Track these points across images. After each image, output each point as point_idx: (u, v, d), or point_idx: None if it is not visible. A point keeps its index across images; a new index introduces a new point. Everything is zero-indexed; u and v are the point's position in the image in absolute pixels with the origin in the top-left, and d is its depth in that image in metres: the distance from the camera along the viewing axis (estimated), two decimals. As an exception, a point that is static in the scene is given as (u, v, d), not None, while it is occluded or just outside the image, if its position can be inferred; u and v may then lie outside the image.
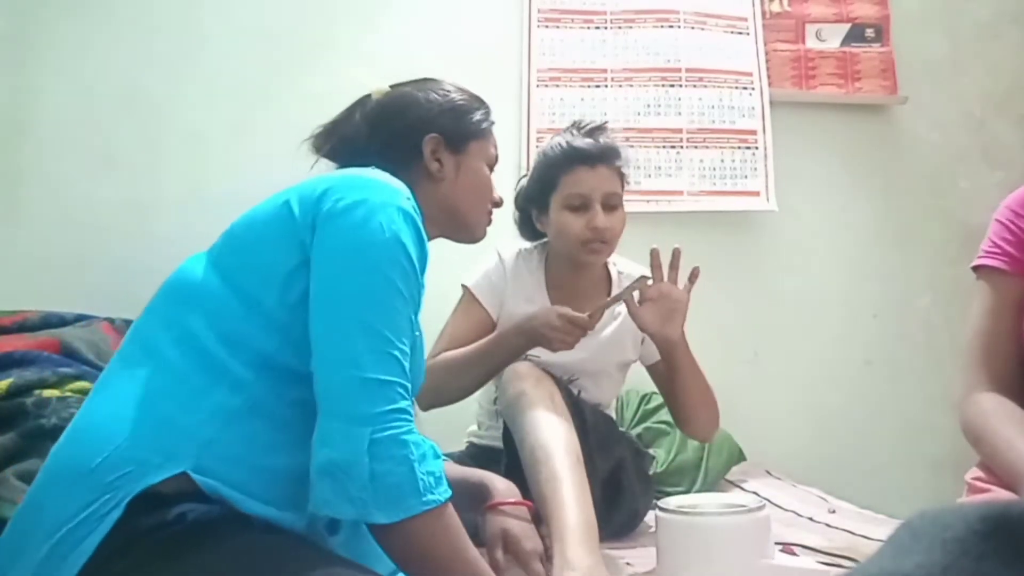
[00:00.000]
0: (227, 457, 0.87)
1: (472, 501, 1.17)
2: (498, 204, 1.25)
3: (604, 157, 1.55)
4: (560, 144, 1.57)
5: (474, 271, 1.62)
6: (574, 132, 1.58)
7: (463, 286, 1.62)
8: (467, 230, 1.22)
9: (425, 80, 1.22)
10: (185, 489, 0.85)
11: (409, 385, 0.91)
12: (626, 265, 1.69)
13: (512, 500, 1.19)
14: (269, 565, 0.83)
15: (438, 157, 1.16)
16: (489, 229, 1.26)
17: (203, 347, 0.91)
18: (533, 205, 1.62)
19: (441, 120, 1.17)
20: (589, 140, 1.56)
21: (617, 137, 1.63)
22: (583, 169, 1.54)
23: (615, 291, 1.63)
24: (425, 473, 0.87)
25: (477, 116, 1.21)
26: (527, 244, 1.67)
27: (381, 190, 0.96)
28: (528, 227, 1.66)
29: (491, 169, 1.23)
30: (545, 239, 1.64)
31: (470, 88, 1.25)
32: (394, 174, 1.04)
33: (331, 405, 0.88)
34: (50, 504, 0.85)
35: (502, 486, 1.22)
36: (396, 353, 0.90)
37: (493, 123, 1.24)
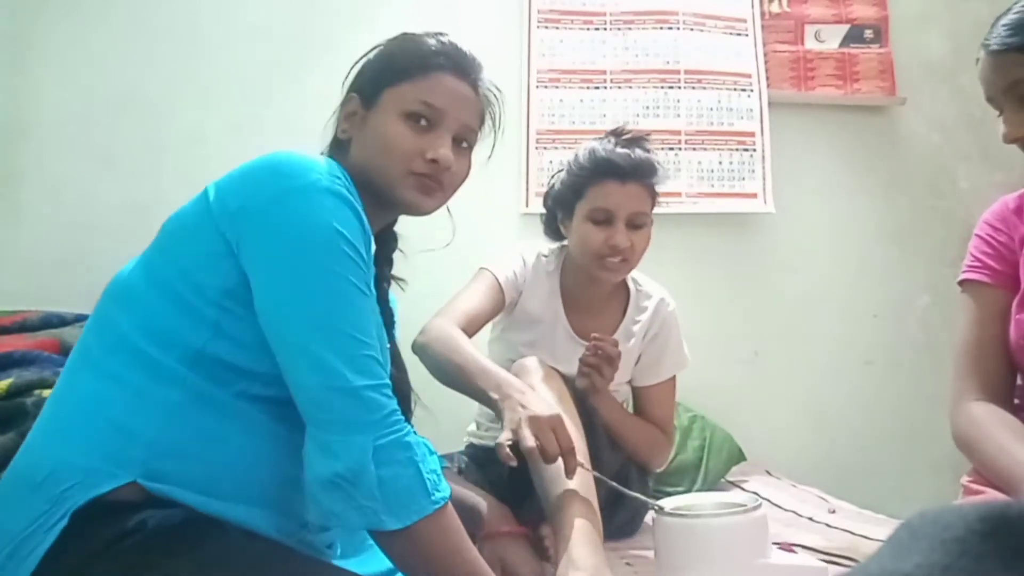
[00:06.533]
0: (178, 454, 0.85)
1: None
2: (437, 162, 1.00)
3: (637, 173, 1.48)
4: (594, 152, 1.49)
5: (496, 261, 1.57)
6: (612, 140, 1.51)
7: (483, 268, 1.56)
8: (393, 200, 1.02)
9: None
10: (142, 496, 0.83)
11: (391, 383, 0.89)
12: (646, 282, 1.65)
13: (507, 529, 1.19)
14: (246, 573, 0.82)
15: (356, 119, 1.04)
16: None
17: (134, 347, 0.88)
18: (559, 208, 1.57)
19: (363, 74, 1.06)
20: (625, 152, 1.48)
21: (655, 150, 1.56)
22: (612, 183, 1.47)
23: (632, 307, 1.61)
24: (429, 472, 0.87)
25: (401, 60, 1.04)
26: (545, 248, 1.63)
27: (304, 172, 0.88)
28: (552, 227, 1.62)
29: (425, 120, 1.01)
30: (565, 242, 1.61)
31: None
32: (333, 141, 1.01)
33: (323, 418, 0.85)
34: (1, 522, 0.83)
35: (494, 511, 1.22)
36: (371, 353, 0.87)
37: (434, 66, 1.03)
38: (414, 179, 1.01)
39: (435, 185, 1.02)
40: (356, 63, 1.10)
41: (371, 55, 1.09)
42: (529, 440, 1.09)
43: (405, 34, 1.09)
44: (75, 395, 0.89)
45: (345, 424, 0.84)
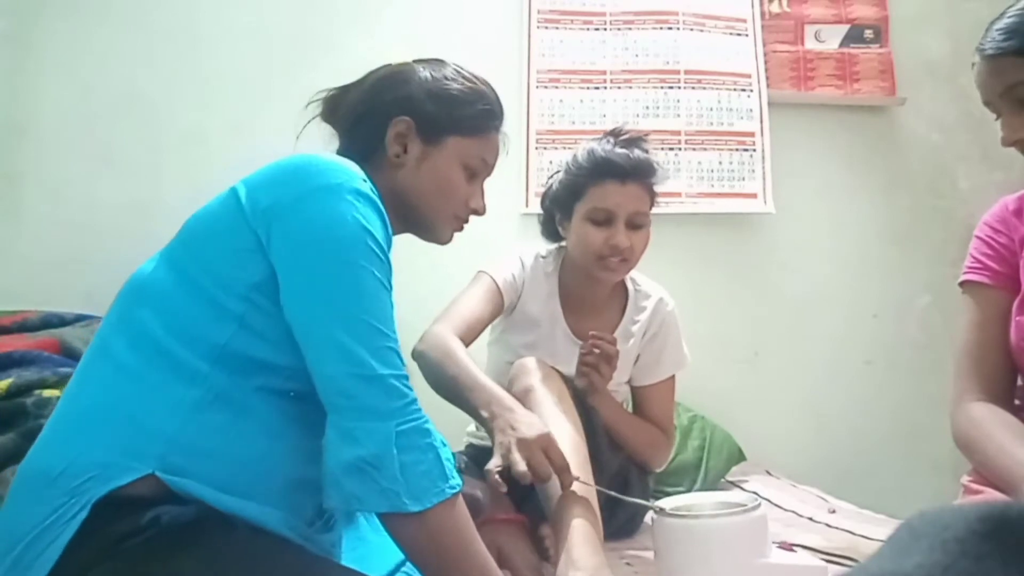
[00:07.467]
0: (196, 450, 0.86)
1: None
2: (477, 212, 1.16)
3: (636, 173, 1.48)
4: (593, 152, 1.49)
5: (494, 264, 1.58)
6: (611, 140, 1.51)
7: (482, 272, 1.56)
8: (426, 229, 1.14)
9: (440, 61, 1.15)
10: (158, 491, 0.83)
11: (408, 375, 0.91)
12: (645, 282, 1.65)
13: (503, 516, 1.19)
14: (252, 570, 0.82)
15: (405, 142, 1.09)
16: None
17: (156, 343, 0.89)
18: (558, 208, 1.57)
19: (423, 104, 1.09)
20: (624, 152, 1.48)
21: (653, 150, 1.56)
22: (612, 184, 1.47)
23: (631, 307, 1.61)
24: (446, 459, 0.89)
25: (469, 112, 1.11)
26: (543, 249, 1.63)
27: (334, 173, 0.93)
28: (550, 228, 1.62)
29: (476, 175, 1.14)
30: (563, 243, 1.61)
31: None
32: (360, 150, 1.04)
33: (347, 405, 0.86)
34: (15, 516, 0.83)
35: (491, 499, 1.21)
36: (393, 345, 0.90)
37: (494, 127, 1.15)
38: (456, 222, 1.15)
39: (464, 227, 1.17)
40: (395, 77, 1.13)
41: (428, 83, 1.11)
42: (520, 465, 1.10)
43: (471, 82, 1.14)
44: (92, 391, 0.90)
45: (368, 411, 0.86)
